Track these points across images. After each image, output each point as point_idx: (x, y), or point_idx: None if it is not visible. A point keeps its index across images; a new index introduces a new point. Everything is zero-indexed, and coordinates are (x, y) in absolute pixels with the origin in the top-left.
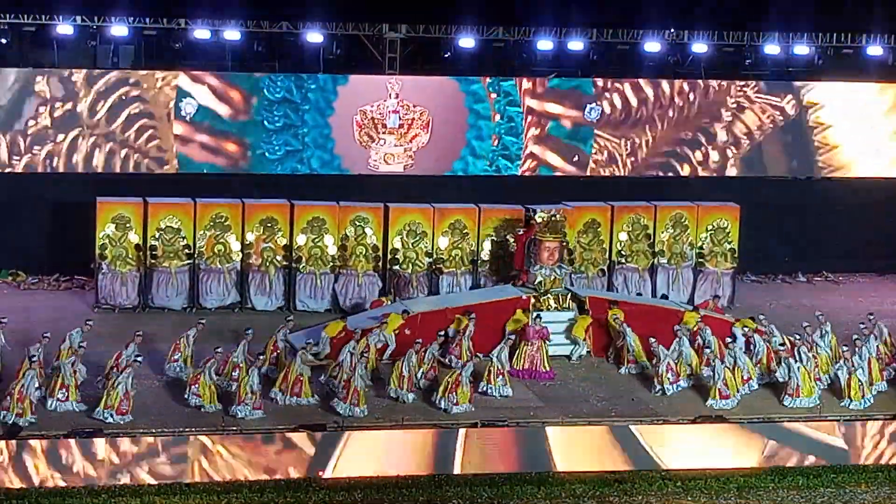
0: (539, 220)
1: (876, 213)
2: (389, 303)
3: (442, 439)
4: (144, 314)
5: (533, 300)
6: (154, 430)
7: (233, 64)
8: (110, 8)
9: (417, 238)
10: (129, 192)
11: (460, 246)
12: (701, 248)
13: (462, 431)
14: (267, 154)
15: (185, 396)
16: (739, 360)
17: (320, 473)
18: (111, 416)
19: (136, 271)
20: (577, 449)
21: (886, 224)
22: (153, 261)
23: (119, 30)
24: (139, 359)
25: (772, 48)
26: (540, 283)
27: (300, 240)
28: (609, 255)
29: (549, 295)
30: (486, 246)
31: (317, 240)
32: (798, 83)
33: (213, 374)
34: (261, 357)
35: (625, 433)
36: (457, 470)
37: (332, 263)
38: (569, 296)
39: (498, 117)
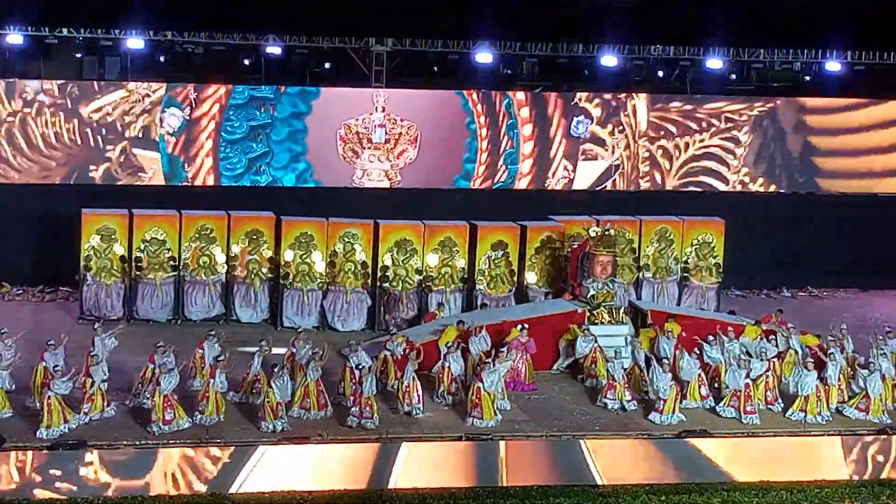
0: (593, 234)
1: (861, 229)
2: (442, 315)
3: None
4: (130, 326)
5: (588, 314)
6: (138, 443)
7: (219, 77)
8: (97, 20)
9: (407, 255)
10: (114, 204)
11: (450, 263)
12: (686, 262)
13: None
14: (224, 169)
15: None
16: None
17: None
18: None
19: (121, 283)
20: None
21: (871, 239)
22: (138, 272)
23: (105, 42)
24: (220, 359)
25: (757, 63)
26: (592, 296)
27: (287, 255)
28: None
29: (601, 308)
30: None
31: (304, 256)
32: (784, 98)
33: (222, 382)
34: (281, 369)
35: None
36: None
37: (319, 280)
38: (622, 309)
39: (487, 132)
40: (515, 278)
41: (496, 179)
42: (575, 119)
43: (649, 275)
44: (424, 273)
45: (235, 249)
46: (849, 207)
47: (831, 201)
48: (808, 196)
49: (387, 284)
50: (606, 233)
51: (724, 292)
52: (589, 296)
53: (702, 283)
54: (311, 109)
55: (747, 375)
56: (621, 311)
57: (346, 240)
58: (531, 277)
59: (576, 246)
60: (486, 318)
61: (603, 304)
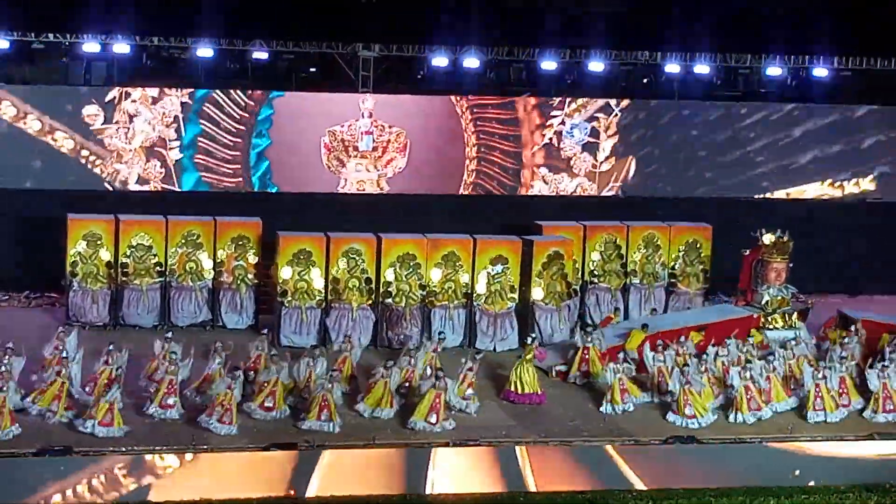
0: (767, 241)
1: (848, 234)
2: (619, 320)
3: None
4: (116, 332)
5: (763, 319)
6: (125, 448)
7: (204, 81)
8: (83, 25)
9: (411, 270)
10: (100, 210)
11: (453, 278)
12: (673, 267)
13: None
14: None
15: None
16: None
17: (292, 493)
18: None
19: (107, 289)
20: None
21: (858, 245)
22: (124, 278)
23: (91, 47)
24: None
25: (744, 69)
26: (767, 302)
27: (285, 273)
28: (581, 274)
29: (776, 314)
30: (482, 279)
31: (303, 273)
32: (767, 104)
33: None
34: (337, 373)
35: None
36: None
37: (318, 297)
38: (795, 314)
39: (474, 138)
40: (517, 294)
41: (483, 185)
42: (570, 123)
43: (636, 280)
44: (427, 288)
45: (222, 255)
46: (837, 213)
47: (819, 207)
48: (795, 201)
49: (389, 300)
50: (780, 240)
51: (711, 298)
52: (764, 302)
53: (689, 288)
54: (296, 116)
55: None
56: (794, 316)
57: (351, 256)
58: (537, 293)
59: (748, 253)
60: (667, 323)
61: (778, 309)
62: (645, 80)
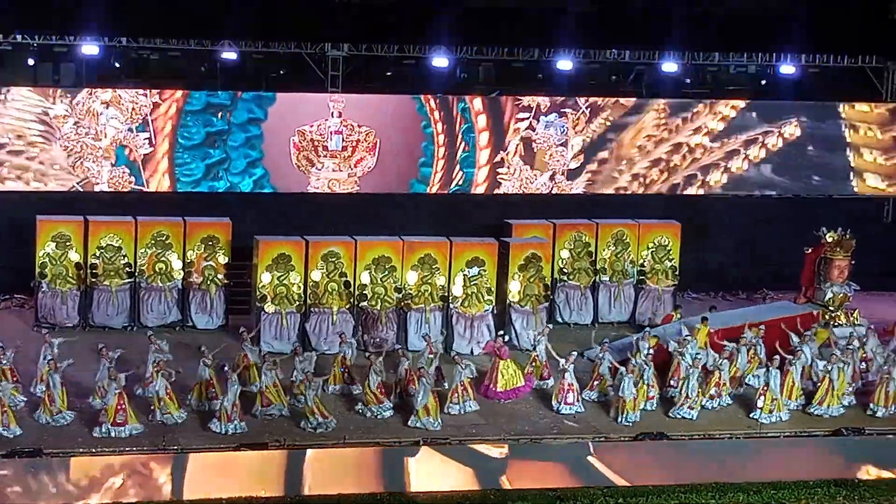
0: (829, 239)
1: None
2: (679, 317)
3: None
4: (85, 333)
5: (825, 317)
6: (94, 450)
7: (175, 82)
8: (52, 26)
9: (386, 273)
10: (69, 211)
11: (430, 281)
12: (642, 265)
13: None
14: (181, 176)
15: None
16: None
17: (262, 493)
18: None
19: (76, 290)
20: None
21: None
22: (94, 279)
23: (60, 48)
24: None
25: (712, 68)
26: (830, 299)
27: (265, 278)
28: (551, 272)
29: (839, 311)
30: (458, 281)
31: (282, 278)
32: (738, 101)
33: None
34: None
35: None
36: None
37: (297, 302)
38: (856, 311)
39: (444, 138)
40: (493, 296)
41: (453, 184)
42: (543, 121)
43: (606, 278)
44: (403, 291)
45: (191, 256)
46: (805, 209)
47: (788, 203)
48: (763, 198)
49: (365, 303)
50: (843, 238)
51: (680, 295)
52: (826, 298)
53: (658, 286)
54: (266, 116)
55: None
56: (856, 312)
57: (330, 259)
58: (514, 296)
59: (810, 251)
60: (727, 321)
61: (841, 306)
62: (613, 78)
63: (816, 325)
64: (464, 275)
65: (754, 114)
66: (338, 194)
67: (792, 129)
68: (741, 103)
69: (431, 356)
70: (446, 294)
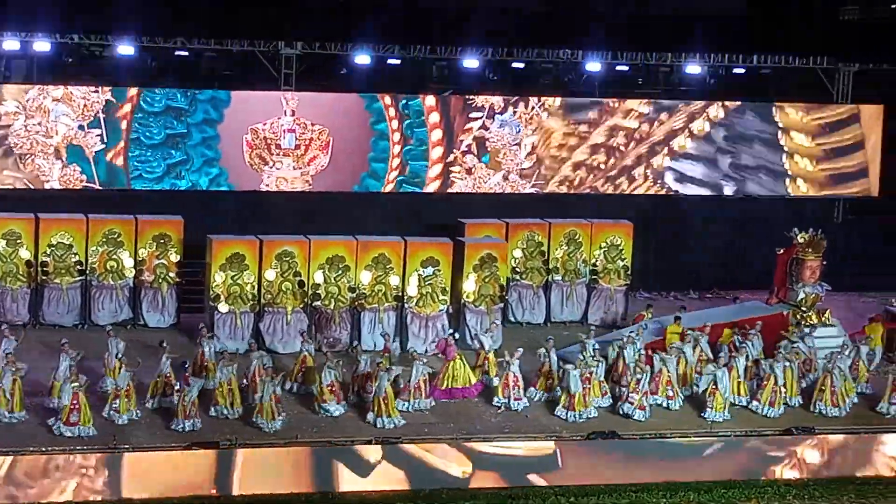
0: (801, 240)
1: (766, 233)
2: (651, 316)
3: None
4: (36, 331)
5: (797, 317)
6: (45, 449)
7: (124, 79)
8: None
9: (340, 272)
10: (20, 208)
11: (384, 281)
12: (595, 265)
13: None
14: (144, 172)
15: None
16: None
17: (213, 492)
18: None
19: (26, 287)
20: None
21: (775, 242)
22: (44, 277)
23: (11, 44)
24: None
25: (665, 68)
26: (802, 299)
27: (218, 277)
28: (508, 272)
29: (811, 311)
30: (413, 280)
31: (236, 277)
32: (691, 101)
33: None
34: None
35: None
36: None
37: (252, 301)
38: (828, 311)
39: (402, 139)
40: (448, 296)
41: (399, 175)
42: (499, 120)
43: (558, 277)
44: (357, 290)
45: (143, 254)
46: (758, 210)
47: (740, 204)
48: (716, 199)
49: (318, 303)
50: (814, 238)
51: (632, 294)
52: (799, 299)
53: (610, 285)
54: (222, 117)
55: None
56: (828, 312)
57: (284, 259)
58: (469, 296)
59: (782, 252)
60: (698, 321)
61: (813, 306)
62: (567, 79)
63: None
64: (418, 275)
65: (701, 114)
66: (293, 192)
67: (733, 130)
68: (697, 103)
69: (388, 354)
70: (400, 294)
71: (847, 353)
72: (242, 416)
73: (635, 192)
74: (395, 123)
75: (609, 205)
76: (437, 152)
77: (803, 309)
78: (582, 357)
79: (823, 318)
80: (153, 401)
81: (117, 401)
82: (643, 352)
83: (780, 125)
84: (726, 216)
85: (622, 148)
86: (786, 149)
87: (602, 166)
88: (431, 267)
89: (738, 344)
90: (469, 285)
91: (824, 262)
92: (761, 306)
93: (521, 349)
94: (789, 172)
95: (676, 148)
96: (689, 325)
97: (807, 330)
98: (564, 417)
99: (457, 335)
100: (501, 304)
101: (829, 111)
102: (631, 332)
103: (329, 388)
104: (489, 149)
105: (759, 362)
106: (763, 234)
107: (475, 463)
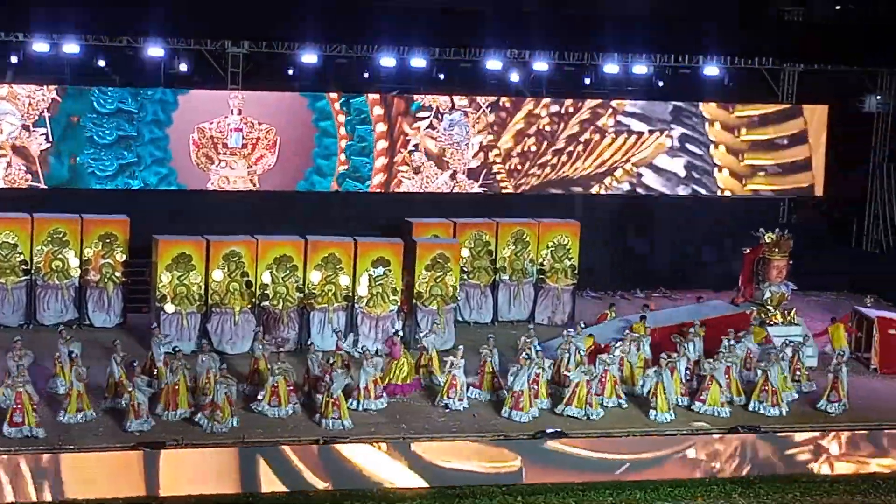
0: (768, 240)
1: (711, 232)
2: (614, 315)
3: None
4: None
5: (762, 315)
6: None
7: (72, 78)
8: None
9: (287, 272)
10: None
11: (333, 281)
12: (542, 264)
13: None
14: (97, 171)
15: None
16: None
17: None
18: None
19: None
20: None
21: (720, 242)
22: None
23: None
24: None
25: (611, 67)
26: (768, 298)
27: (164, 278)
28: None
29: (777, 310)
30: (364, 280)
31: (183, 277)
32: (637, 101)
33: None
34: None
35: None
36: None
37: (199, 302)
38: (793, 310)
39: (348, 137)
40: (399, 296)
41: (356, 182)
42: (448, 118)
43: (506, 277)
44: (307, 290)
45: (89, 253)
46: (701, 211)
47: (687, 204)
48: (662, 198)
49: (266, 303)
50: (781, 238)
51: (578, 294)
52: (765, 298)
53: (557, 284)
54: (171, 119)
55: None
56: (793, 311)
57: (231, 259)
58: (421, 295)
59: (748, 251)
60: (664, 320)
61: (779, 306)
62: (516, 79)
63: (753, 323)
64: (369, 275)
65: (636, 114)
66: (241, 192)
67: (672, 129)
68: (625, 103)
69: (341, 352)
70: (350, 294)
71: (787, 353)
72: (191, 417)
73: (585, 193)
74: (341, 118)
75: (558, 205)
76: (380, 150)
77: (769, 308)
78: (528, 356)
79: (789, 318)
80: (106, 402)
81: (68, 401)
82: (585, 353)
83: (711, 120)
84: (672, 215)
85: (571, 148)
86: (720, 147)
87: (550, 167)
88: (382, 267)
89: (679, 345)
90: (420, 285)
91: (790, 262)
92: (725, 305)
93: (462, 347)
94: (719, 168)
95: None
96: (653, 324)
97: (744, 333)
98: (509, 417)
99: (401, 333)
100: (454, 305)
101: (771, 110)
102: (618, 332)
103: (279, 389)
104: (437, 148)
105: (700, 363)
106: (712, 234)
107: (432, 479)
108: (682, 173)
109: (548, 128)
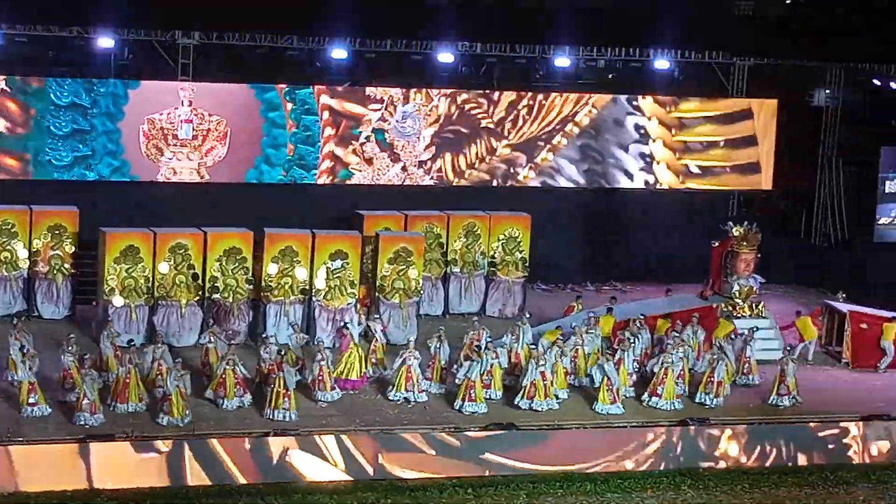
0: (736, 233)
1: (666, 226)
2: (581, 308)
3: None
4: None
5: (730, 308)
6: None
7: (21, 69)
8: None
9: (237, 265)
10: None
11: (290, 273)
12: (493, 257)
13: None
14: (53, 160)
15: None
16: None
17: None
18: None
19: None
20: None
21: (674, 236)
22: None
23: None
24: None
25: (562, 61)
26: (736, 292)
27: (112, 271)
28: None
29: (745, 304)
30: (321, 274)
31: (130, 270)
32: (587, 95)
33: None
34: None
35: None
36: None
37: (146, 295)
38: (761, 303)
39: (293, 126)
40: (356, 289)
41: (307, 174)
42: (401, 110)
43: (457, 269)
44: (263, 283)
45: (37, 244)
46: (653, 204)
47: (639, 197)
48: (613, 191)
49: (217, 296)
50: (749, 231)
51: (529, 286)
52: (733, 291)
53: (508, 277)
54: (122, 111)
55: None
56: (761, 304)
57: (177, 251)
58: (382, 289)
59: (717, 244)
60: (632, 313)
61: (747, 299)
62: (462, 69)
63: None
64: (326, 267)
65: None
66: (190, 183)
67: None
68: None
69: (297, 344)
70: (307, 287)
71: (736, 345)
72: (146, 410)
73: (526, 185)
74: (288, 107)
75: (508, 197)
76: (327, 140)
77: (738, 301)
78: (479, 348)
79: (756, 311)
80: (60, 394)
81: (20, 394)
82: (534, 345)
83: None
84: (625, 209)
85: (516, 141)
86: (662, 141)
87: (495, 159)
88: (340, 260)
89: (627, 338)
90: (382, 278)
91: (758, 256)
92: (693, 298)
93: (412, 339)
94: (656, 162)
95: (555, 143)
96: (621, 317)
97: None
98: (461, 410)
99: (349, 326)
100: (417, 299)
101: (720, 104)
102: (584, 324)
103: (230, 381)
104: (388, 140)
105: (648, 355)
106: (665, 227)
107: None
108: (638, 165)
109: (500, 120)
